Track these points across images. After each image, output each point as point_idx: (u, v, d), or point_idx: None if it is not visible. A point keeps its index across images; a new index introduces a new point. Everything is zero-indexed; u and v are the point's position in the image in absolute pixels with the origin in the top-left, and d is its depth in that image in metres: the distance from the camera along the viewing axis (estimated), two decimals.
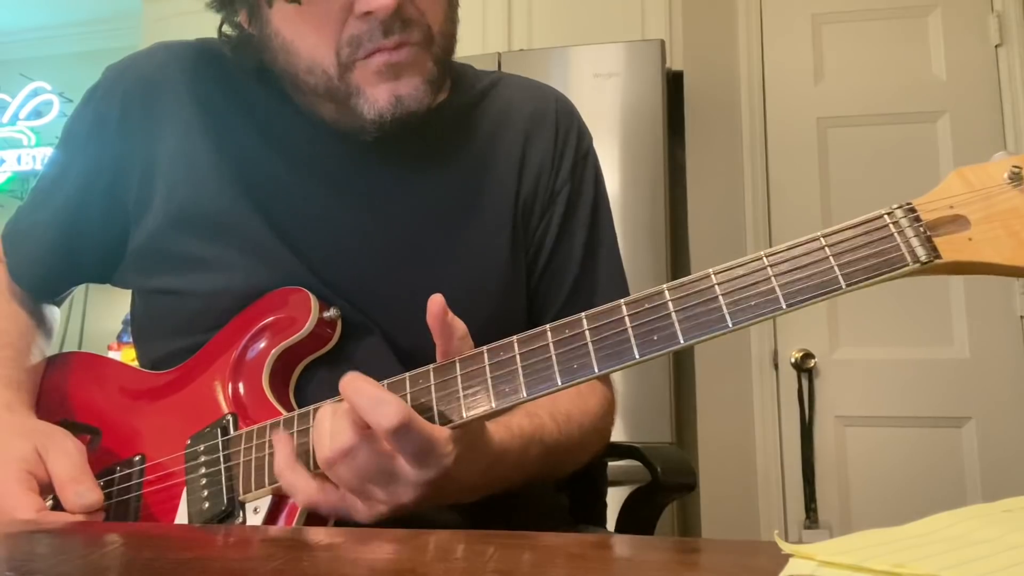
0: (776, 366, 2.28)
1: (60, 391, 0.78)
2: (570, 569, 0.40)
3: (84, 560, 0.43)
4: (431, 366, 0.57)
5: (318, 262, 0.72)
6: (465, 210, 0.76)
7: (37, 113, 3.69)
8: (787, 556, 0.33)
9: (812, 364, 2.24)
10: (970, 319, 2.17)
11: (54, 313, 0.88)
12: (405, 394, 0.56)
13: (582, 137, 0.86)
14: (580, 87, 2.21)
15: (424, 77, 0.68)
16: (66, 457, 0.66)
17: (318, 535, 0.50)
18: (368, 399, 0.52)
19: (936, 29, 2.31)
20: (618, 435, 1.14)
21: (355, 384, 0.53)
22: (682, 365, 2.31)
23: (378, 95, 0.67)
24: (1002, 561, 0.30)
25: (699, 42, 2.45)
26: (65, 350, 0.84)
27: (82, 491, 0.64)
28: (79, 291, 0.88)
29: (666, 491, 0.95)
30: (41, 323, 0.84)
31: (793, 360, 2.25)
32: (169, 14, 2.92)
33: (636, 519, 0.95)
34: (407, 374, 0.58)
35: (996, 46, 2.27)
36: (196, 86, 0.76)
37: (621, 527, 0.95)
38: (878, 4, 2.35)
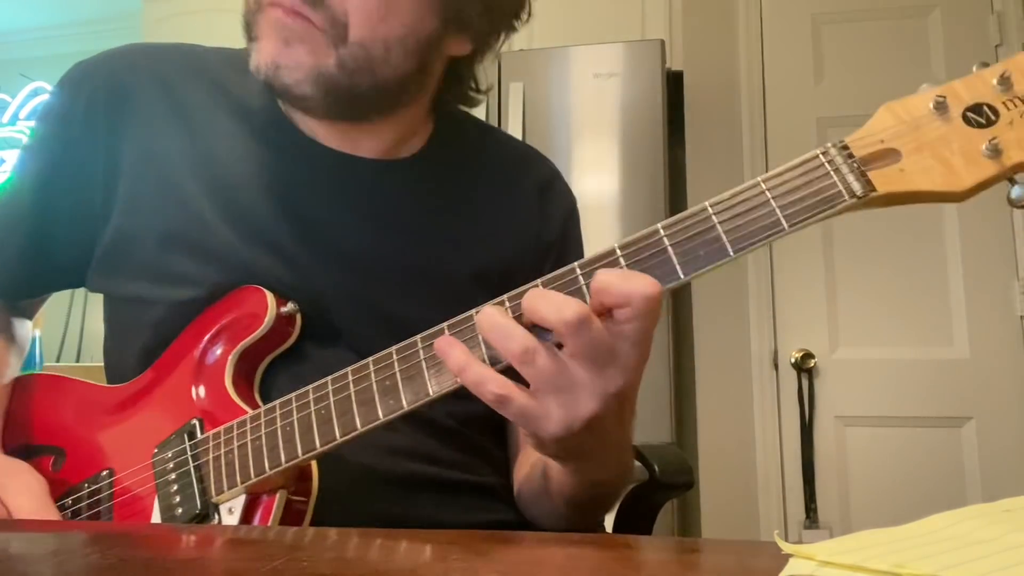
0: (776, 366, 2.28)
1: (19, 416, 0.77)
2: (569, 569, 0.40)
3: (84, 560, 0.43)
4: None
5: (286, 271, 0.71)
6: (447, 245, 0.76)
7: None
8: (787, 556, 0.32)
9: (812, 364, 2.24)
10: (970, 319, 2.17)
11: (25, 329, 0.85)
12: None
13: (566, 196, 0.88)
14: (580, 87, 2.21)
15: (315, 64, 0.67)
16: (27, 492, 0.65)
17: (318, 535, 0.50)
18: (620, 275, 0.49)
19: (936, 29, 2.31)
20: None
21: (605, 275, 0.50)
22: (682, 365, 2.32)
23: (264, 49, 0.67)
24: (1002, 561, 0.30)
25: (699, 42, 2.45)
26: (66, 350, 0.83)
27: None
28: (79, 291, 0.87)
29: (664, 490, 0.95)
30: (10, 341, 0.81)
31: (793, 360, 2.25)
32: (169, 14, 2.92)
33: (634, 518, 0.95)
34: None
35: (996, 46, 2.26)
36: (172, 89, 0.75)
37: (619, 526, 0.95)
38: (878, 4, 2.35)
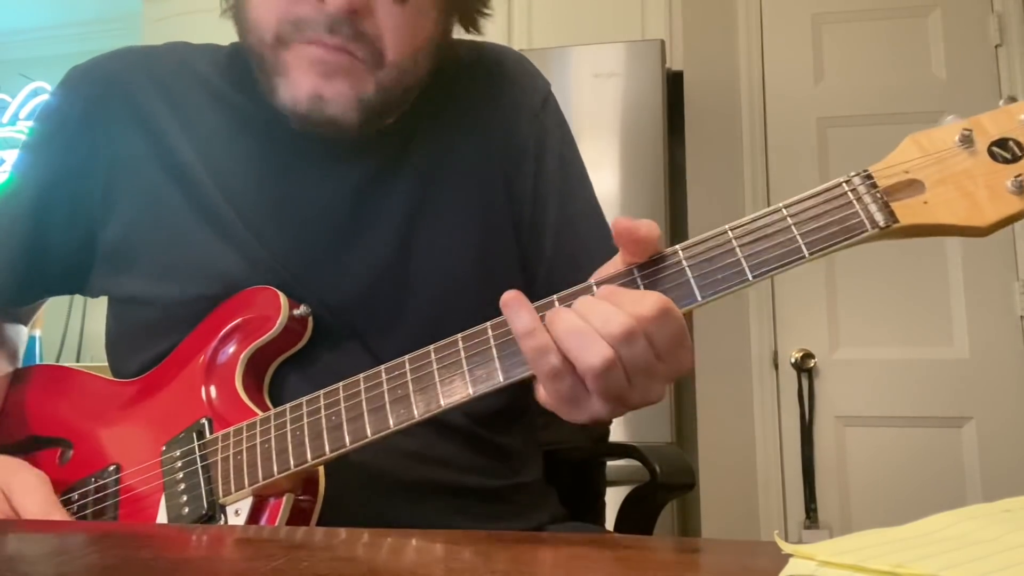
0: (776, 366, 2.28)
1: (26, 406, 0.77)
2: (570, 569, 0.40)
3: (84, 560, 0.43)
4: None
5: (293, 265, 0.71)
6: (430, 208, 0.75)
7: None
8: (787, 556, 0.33)
9: (812, 364, 2.24)
10: (970, 319, 2.17)
11: (20, 334, 0.85)
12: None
13: (535, 88, 0.83)
14: (580, 87, 2.21)
15: (357, 94, 0.66)
16: (31, 493, 0.65)
17: (318, 535, 0.50)
18: (630, 293, 0.51)
19: (936, 29, 2.31)
20: (617, 435, 1.14)
21: (611, 288, 0.52)
22: None
23: (301, 83, 0.66)
24: (1002, 561, 0.30)
25: (699, 42, 2.45)
26: (66, 350, 0.83)
27: None
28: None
29: (665, 490, 0.95)
30: (3, 343, 0.81)
31: (793, 360, 2.25)
32: (169, 14, 2.92)
33: (635, 518, 0.95)
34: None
35: (996, 46, 2.26)
36: (168, 89, 0.75)
37: (620, 526, 0.95)
38: (878, 4, 2.35)
